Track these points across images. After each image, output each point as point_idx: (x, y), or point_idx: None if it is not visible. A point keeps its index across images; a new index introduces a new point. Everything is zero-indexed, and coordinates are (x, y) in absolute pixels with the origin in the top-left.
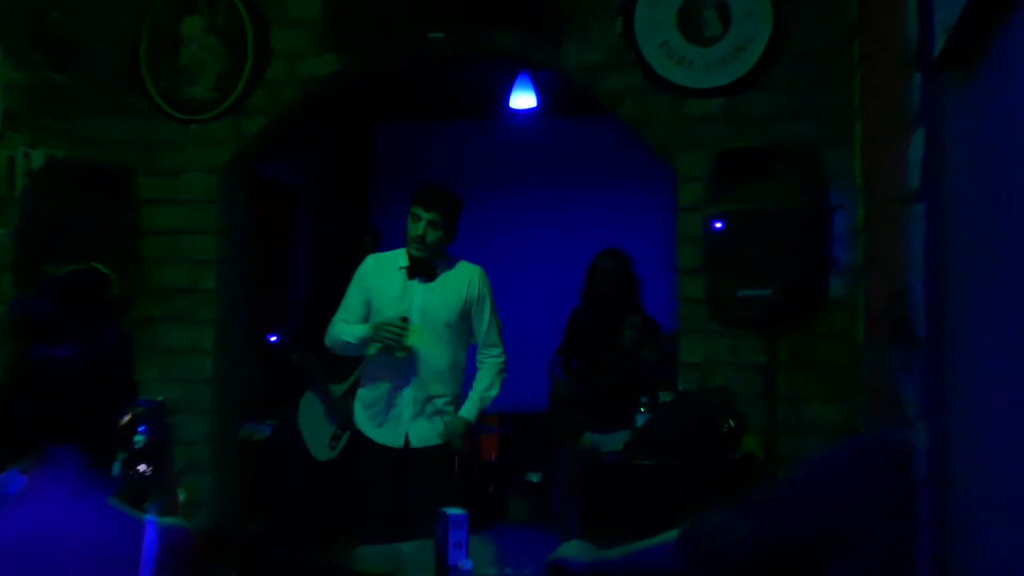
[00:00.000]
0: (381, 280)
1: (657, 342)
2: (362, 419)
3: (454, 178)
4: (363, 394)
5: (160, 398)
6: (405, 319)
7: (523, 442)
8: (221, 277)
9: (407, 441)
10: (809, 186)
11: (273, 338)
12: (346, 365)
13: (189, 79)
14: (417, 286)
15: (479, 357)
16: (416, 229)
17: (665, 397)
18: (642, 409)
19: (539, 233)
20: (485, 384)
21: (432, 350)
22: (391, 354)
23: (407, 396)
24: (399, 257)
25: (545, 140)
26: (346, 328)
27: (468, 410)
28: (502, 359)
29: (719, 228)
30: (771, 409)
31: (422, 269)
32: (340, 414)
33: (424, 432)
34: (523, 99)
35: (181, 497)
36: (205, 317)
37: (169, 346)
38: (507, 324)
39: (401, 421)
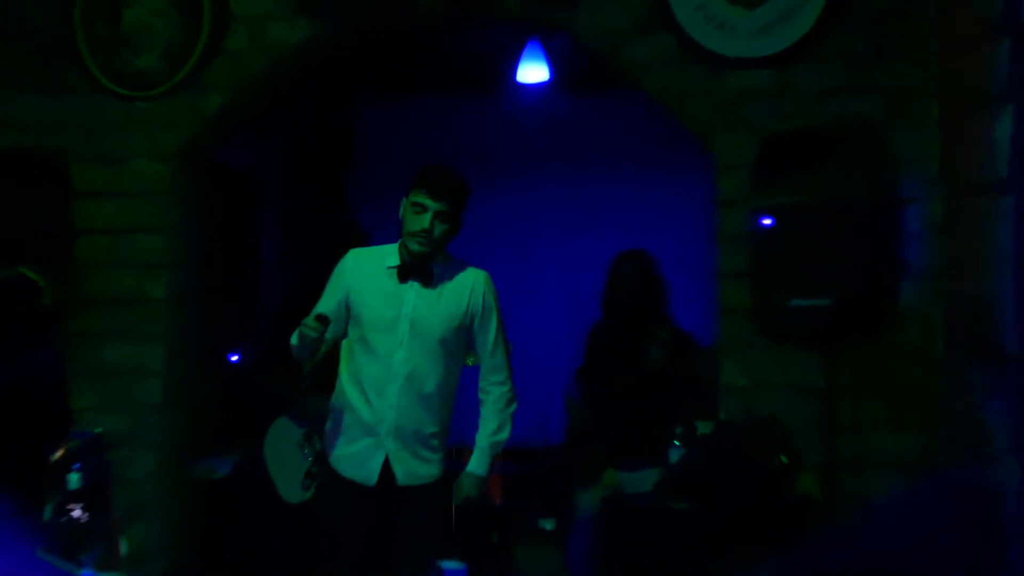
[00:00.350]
0: (364, 280)
1: (692, 361)
2: (332, 448)
3: (448, 160)
4: (333, 418)
5: (99, 430)
6: (321, 318)
7: (534, 482)
8: (173, 284)
9: (391, 477)
10: (874, 174)
11: (235, 357)
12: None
13: (134, 49)
14: (409, 290)
15: (482, 385)
16: (421, 221)
17: (704, 428)
18: (676, 442)
19: (551, 230)
20: (494, 426)
21: (421, 369)
22: (373, 361)
23: (387, 423)
24: (387, 254)
25: (558, 120)
26: (299, 328)
27: (478, 464)
28: (510, 389)
29: (767, 225)
30: (831, 441)
31: (416, 270)
32: (318, 447)
33: (410, 467)
34: (532, 71)
35: (123, 548)
36: (154, 332)
37: (110, 367)
38: (513, 339)
39: (377, 453)
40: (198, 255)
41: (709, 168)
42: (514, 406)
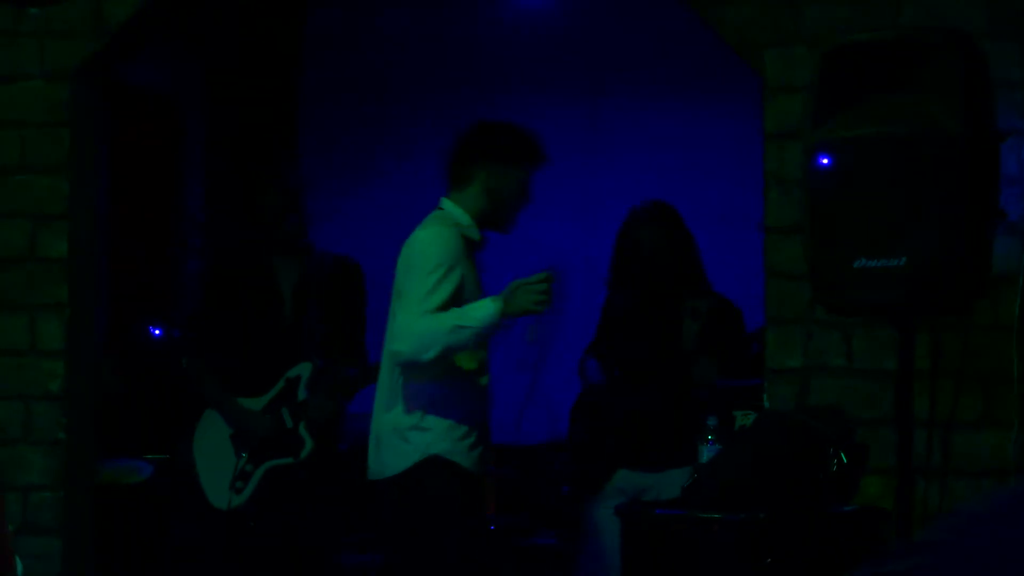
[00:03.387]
0: (465, 259)
1: (735, 336)
2: (456, 447)
3: (431, 90)
4: (451, 417)
5: None
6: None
7: (532, 488)
8: (76, 239)
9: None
10: (967, 101)
11: (156, 331)
12: (264, 370)
13: None
14: (477, 272)
15: None
16: (528, 194)
17: (744, 419)
18: (709, 437)
19: (555, 172)
20: None
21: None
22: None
23: (486, 414)
24: (462, 226)
25: (565, 33)
26: (451, 316)
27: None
28: None
29: (828, 165)
30: (905, 438)
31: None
32: (255, 440)
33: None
34: None
35: (18, 569)
36: (50, 299)
37: None
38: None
39: (484, 442)
40: (104, 203)
41: (755, 92)
42: None
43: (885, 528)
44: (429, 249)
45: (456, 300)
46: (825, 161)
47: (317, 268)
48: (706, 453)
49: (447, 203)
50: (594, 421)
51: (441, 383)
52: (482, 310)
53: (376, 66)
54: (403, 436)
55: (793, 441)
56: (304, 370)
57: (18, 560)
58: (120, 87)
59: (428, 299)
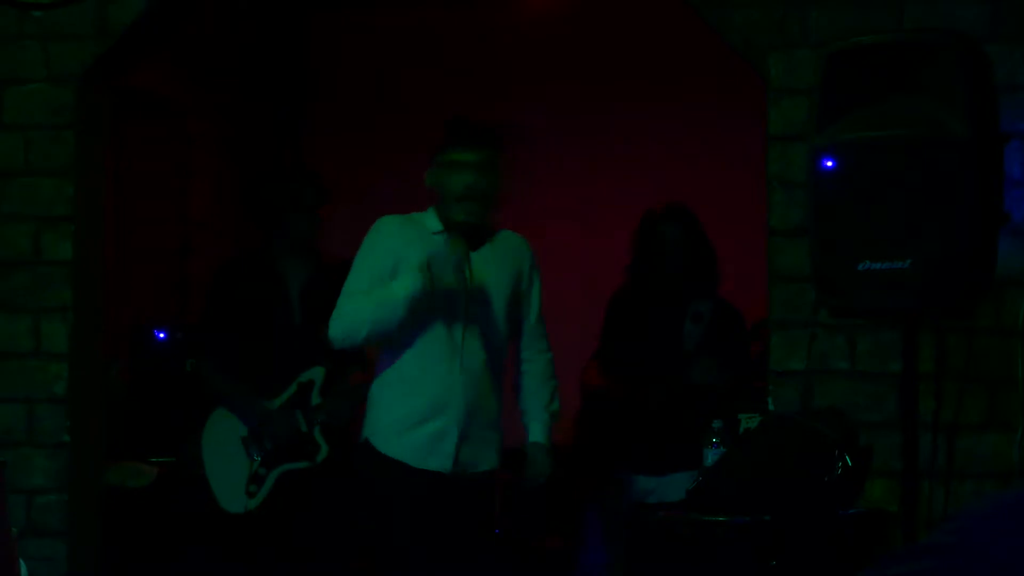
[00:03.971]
0: (412, 245)
1: (737, 340)
2: (390, 438)
3: (434, 90)
4: (390, 398)
5: None
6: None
7: (537, 491)
8: (80, 242)
9: (457, 464)
10: (971, 104)
11: (161, 334)
12: (274, 374)
13: None
14: (465, 262)
15: (524, 355)
16: (464, 178)
17: (749, 422)
18: (714, 440)
19: (558, 174)
20: (547, 396)
21: (487, 342)
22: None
23: (457, 406)
24: (424, 220)
25: (567, 31)
26: (375, 293)
27: (541, 433)
28: (552, 356)
29: (832, 167)
30: (910, 440)
31: (468, 231)
32: (272, 442)
33: (476, 454)
34: None
35: (23, 573)
36: (55, 303)
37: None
38: None
39: (447, 439)
40: (110, 206)
41: (759, 94)
42: (556, 380)
43: (890, 531)
44: (366, 240)
45: (386, 276)
46: (829, 164)
47: (325, 271)
48: (711, 456)
49: (429, 210)
50: (598, 424)
51: (399, 365)
52: (402, 282)
53: (382, 69)
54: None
55: (797, 444)
56: (317, 374)
57: (22, 563)
58: (125, 89)
59: (349, 282)
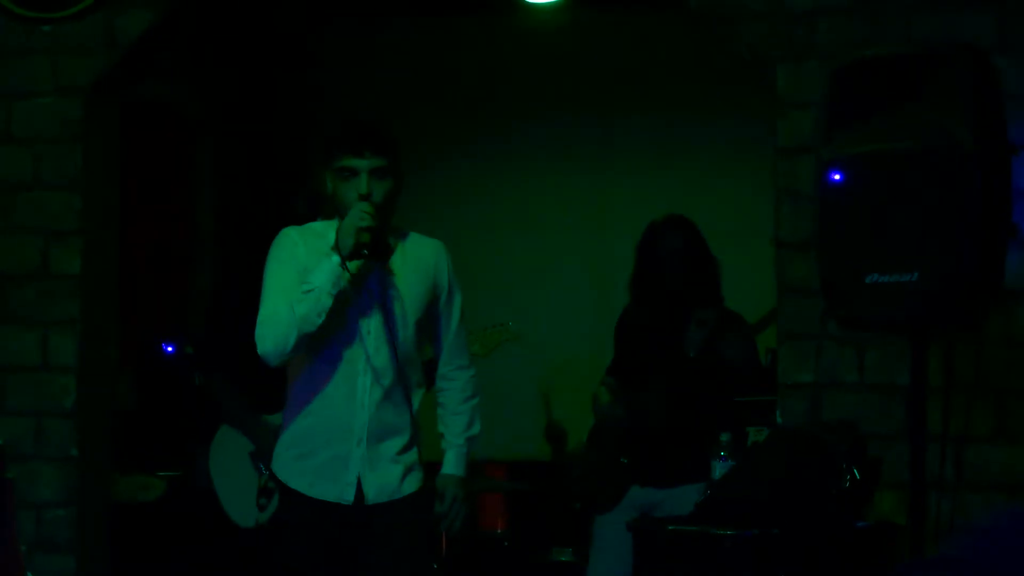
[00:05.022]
0: (317, 256)
1: (740, 344)
2: (286, 464)
3: (440, 106)
4: (289, 428)
5: None
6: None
7: (543, 504)
8: (88, 256)
9: (360, 494)
10: (979, 115)
11: (169, 348)
12: (276, 388)
13: None
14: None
15: (442, 371)
16: (357, 186)
17: (757, 436)
18: (722, 453)
19: (566, 189)
20: (465, 420)
21: (395, 358)
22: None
23: (357, 427)
24: (328, 231)
25: (577, 48)
26: (291, 294)
27: (455, 464)
28: (475, 374)
29: (840, 180)
30: (918, 453)
31: (371, 244)
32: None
33: (384, 481)
34: None
35: None
36: (63, 315)
37: (6, 360)
38: (520, 329)
39: (349, 466)
40: (118, 219)
41: (767, 107)
42: (479, 397)
43: (898, 543)
44: (271, 253)
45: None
46: (837, 176)
47: None
48: (719, 469)
49: (332, 221)
50: (606, 437)
51: (299, 382)
52: (317, 269)
53: (389, 84)
54: None
55: (806, 456)
56: None
57: None
58: (133, 103)
59: (263, 305)
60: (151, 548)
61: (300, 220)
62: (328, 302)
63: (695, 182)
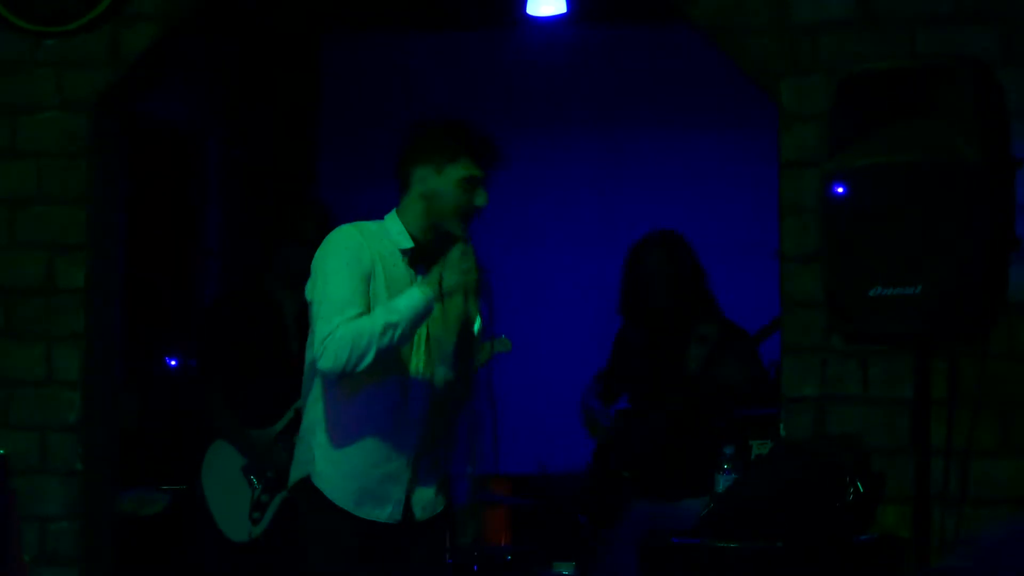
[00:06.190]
0: (383, 266)
1: (742, 362)
2: (332, 480)
3: (449, 114)
4: (333, 446)
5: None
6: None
7: (548, 517)
8: (92, 270)
9: (409, 512)
10: (982, 129)
11: (173, 362)
12: (272, 402)
13: None
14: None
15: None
16: (476, 198)
17: (761, 449)
18: (726, 466)
19: (569, 200)
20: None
21: (440, 379)
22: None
23: (408, 445)
24: (393, 233)
25: (580, 62)
26: (377, 313)
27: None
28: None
29: (844, 193)
30: (922, 466)
31: (425, 255)
32: (267, 470)
33: (429, 499)
34: (547, 1)
35: None
36: (67, 331)
37: (10, 375)
38: (524, 341)
39: (399, 484)
40: (122, 233)
41: (771, 121)
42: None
43: (902, 557)
44: (329, 254)
45: (375, 302)
46: (841, 189)
47: None
48: (723, 482)
49: (390, 216)
50: (609, 451)
51: (347, 400)
52: (408, 299)
53: (392, 99)
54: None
55: (810, 470)
56: None
57: None
58: (138, 117)
59: (346, 308)
60: (154, 562)
61: (311, 245)
62: (411, 332)
63: (700, 195)
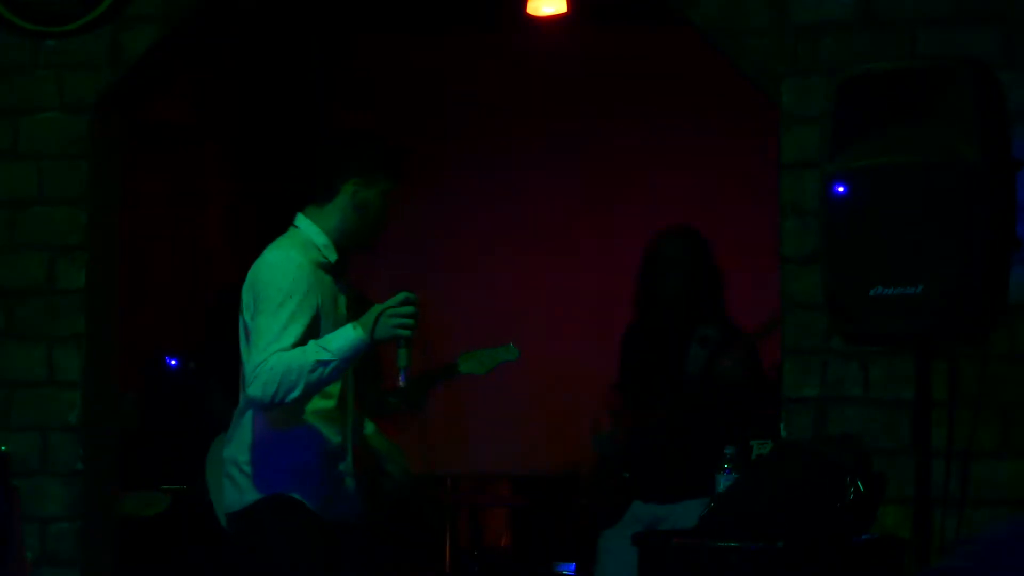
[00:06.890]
0: (319, 287)
1: (742, 360)
2: (297, 487)
3: (442, 121)
4: (293, 456)
5: (1, 448)
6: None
7: (549, 519)
8: (93, 271)
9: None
10: (983, 130)
11: (174, 362)
12: None
13: None
14: (341, 295)
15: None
16: (392, 212)
17: (761, 449)
18: (726, 466)
19: (573, 201)
20: None
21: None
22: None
23: (349, 448)
24: (320, 244)
25: (581, 63)
26: (313, 348)
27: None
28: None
29: (844, 194)
30: (923, 467)
31: (343, 267)
32: None
33: (360, 499)
34: (547, 1)
35: None
36: (68, 331)
37: (11, 375)
38: (525, 343)
39: (347, 484)
40: (123, 234)
41: (772, 122)
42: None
43: (903, 558)
44: (277, 278)
45: (312, 332)
46: (841, 190)
47: None
48: (723, 482)
49: (302, 219)
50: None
51: (289, 421)
52: (342, 339)
53: (392, 100)
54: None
55: (810, 470)
56: None
57: None
58: (139, 118)
59: (282, 336)
60: (155, 562)
61: None
62: (338, 375)
63: (699, 196)
